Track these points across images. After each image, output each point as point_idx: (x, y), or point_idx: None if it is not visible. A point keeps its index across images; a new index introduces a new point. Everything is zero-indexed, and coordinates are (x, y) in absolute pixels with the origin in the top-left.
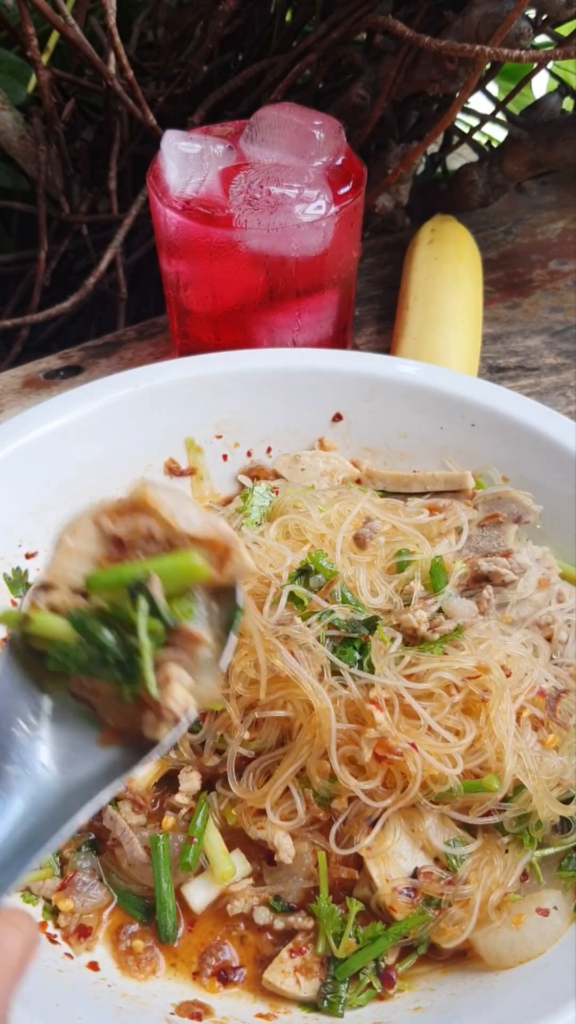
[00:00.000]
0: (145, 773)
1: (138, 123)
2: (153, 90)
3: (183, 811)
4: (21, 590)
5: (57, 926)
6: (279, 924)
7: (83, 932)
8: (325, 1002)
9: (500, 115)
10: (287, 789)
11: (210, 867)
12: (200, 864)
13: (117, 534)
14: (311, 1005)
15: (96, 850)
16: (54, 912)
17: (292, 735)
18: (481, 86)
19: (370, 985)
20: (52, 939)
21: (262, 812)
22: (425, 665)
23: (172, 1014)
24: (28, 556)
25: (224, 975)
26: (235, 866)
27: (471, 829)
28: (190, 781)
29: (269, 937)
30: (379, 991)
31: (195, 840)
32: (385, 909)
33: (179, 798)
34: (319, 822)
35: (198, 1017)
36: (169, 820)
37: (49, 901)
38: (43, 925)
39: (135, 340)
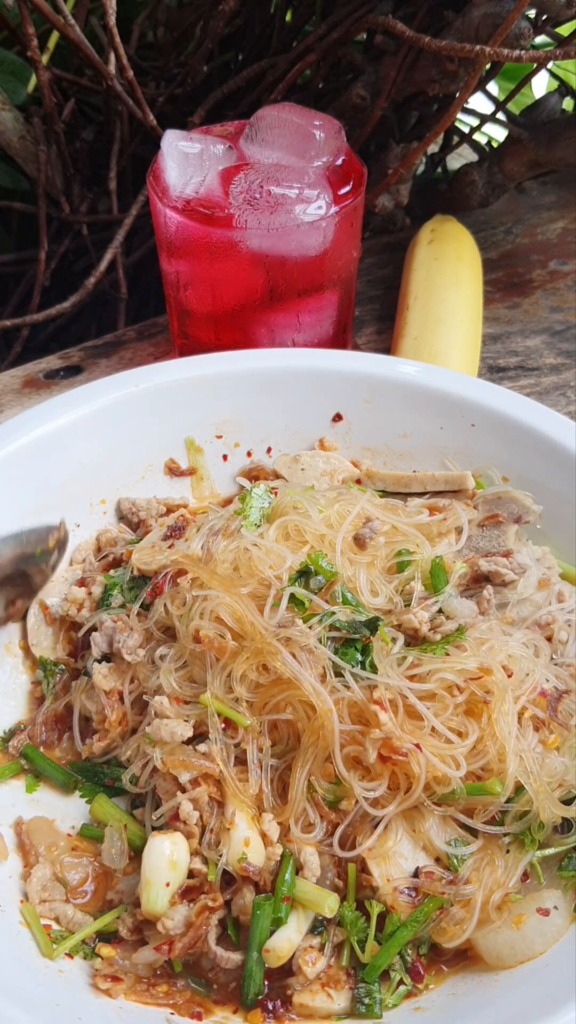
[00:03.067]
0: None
1: (138, 123)
2: (153, 90)
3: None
4: None
5: (84, 958)
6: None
7: (114, 979)
8: (361, 1007)
9: (500, 115)
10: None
11: (305, 909)
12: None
13: None
14: (346, 1015)
15: None
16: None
17: (298, 740)
18: (481, 86)
19: (401, 982)
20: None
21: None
22: (427, 666)
23: (172, 1014)
24: None
25: (268, 1009)
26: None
27: (472, 829)
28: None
29: None
30: (410, 988)
31: (289, 899)
32: (387, 909)
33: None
34: (329, 824)
35: (198, 1017)
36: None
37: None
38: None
39: (135, 340)
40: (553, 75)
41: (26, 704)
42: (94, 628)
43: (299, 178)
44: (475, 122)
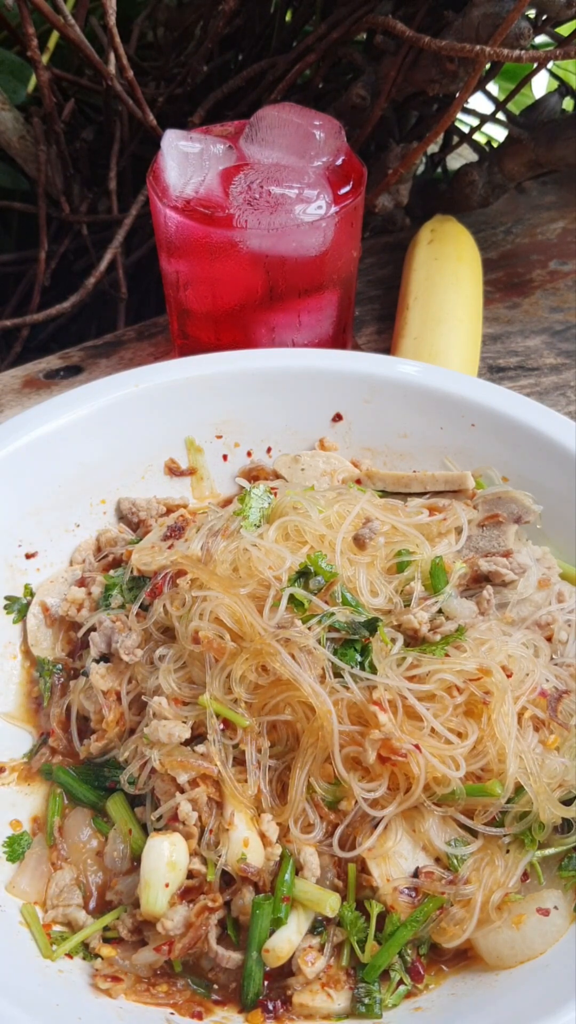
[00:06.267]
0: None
1: (138, 123)
2: (153, 90)
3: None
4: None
5: (84, 959)
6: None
7: (114, 979)
8: (361, 1007)
9: (500, 115)
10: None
11: (305, 909)
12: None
13: None
14: (346, 1015)
15: None
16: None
17: (297, 740)
18: (481, 86)
19: (401, 982)
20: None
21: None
22: (427, 667)
23: (172, 1014)
24: (28, 556)
25: (268, 1009)
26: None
27: (472, 829)
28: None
29: None
30: (410, 987)
31: (289, 899)
32: (386, 908)
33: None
34: (329, 824)
35: (199, 1016)
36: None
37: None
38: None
39: (135, 340)
40: (553, 75)
41: (22, 704)
42: (93, 628)
43: (299, 178)
44: (475, 122)
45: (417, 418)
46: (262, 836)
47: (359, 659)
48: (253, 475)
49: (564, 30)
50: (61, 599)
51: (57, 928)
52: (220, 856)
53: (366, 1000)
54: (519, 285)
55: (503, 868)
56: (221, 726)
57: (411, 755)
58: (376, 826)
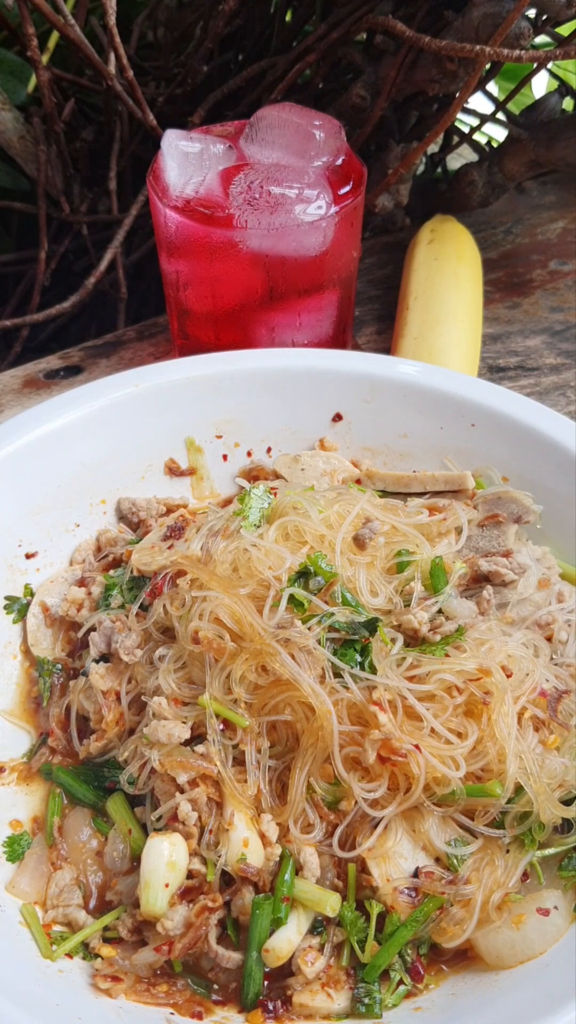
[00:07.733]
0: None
1: (138, 123)
2: (153, 90)
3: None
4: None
5: (84, 959)
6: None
7: (114, 979)
8: (361, 1007)
9: (500, 115)
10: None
11: (305, 909)
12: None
13: None
14: (346, 1015)
15: None
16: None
17: (297, 740)
18: (481, 86)
19: (401, 982)
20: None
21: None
22: (427, 667)
23: (172, 1014)
24: (28, 556)
25: (268, 1009)
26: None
27: (472, 829)
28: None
29: None
30: (410, 987)
31: (289, 899)
32: (386, 908)
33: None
34: (329, 824)
35: (199, 1016)
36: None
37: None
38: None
39: (135, 340)
40: (553, 75)
41: (21, 704)
42: (93, 628)
43: (299, 178)
44: (475, 122)
45: (417, 418)
46: (262, 836)
47: (359, 659)
48: (253, 475)
49: (564, 30)
50: (61, 599)
51: (57, 928)
52: (220, 856)
53: (366, 1000)
54: (519, 285)
55: (503, 868)
56: (221, 726)
57: (411, 755)
58: (376, 826)
